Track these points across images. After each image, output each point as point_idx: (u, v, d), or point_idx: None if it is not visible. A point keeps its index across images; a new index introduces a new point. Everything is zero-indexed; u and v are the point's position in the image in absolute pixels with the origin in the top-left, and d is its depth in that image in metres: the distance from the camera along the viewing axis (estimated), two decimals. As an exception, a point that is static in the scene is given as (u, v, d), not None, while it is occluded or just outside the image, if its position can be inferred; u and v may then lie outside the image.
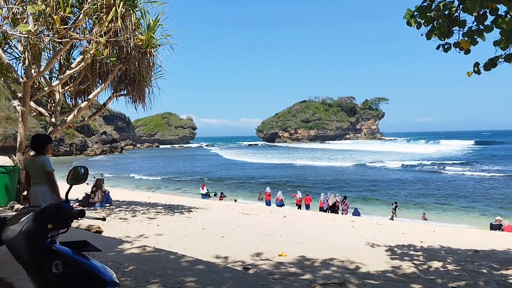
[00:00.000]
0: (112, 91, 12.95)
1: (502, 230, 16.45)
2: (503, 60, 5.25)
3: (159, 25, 11.56)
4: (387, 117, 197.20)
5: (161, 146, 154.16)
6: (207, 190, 29.27)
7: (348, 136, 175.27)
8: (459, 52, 5.26)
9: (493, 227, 17.00)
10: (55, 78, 12.34)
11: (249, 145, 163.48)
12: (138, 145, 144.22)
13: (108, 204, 13.29)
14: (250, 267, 6.18)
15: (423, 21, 5.18)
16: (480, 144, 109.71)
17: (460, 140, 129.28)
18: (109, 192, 13.57)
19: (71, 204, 2.26)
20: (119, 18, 9.19)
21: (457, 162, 56.19)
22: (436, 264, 7.05)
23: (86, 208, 12.49)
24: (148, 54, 11.56)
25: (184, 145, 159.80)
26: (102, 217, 2.52)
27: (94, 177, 14.70)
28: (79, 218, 2.24)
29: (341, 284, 5.54)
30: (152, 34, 11.41)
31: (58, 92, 12.17)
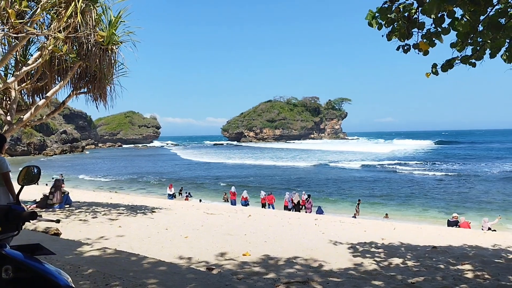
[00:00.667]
0: (72, 88, 12.55)
1: (459, 227, 17.08)
2: (459, 61, 5.44)
3: (121, 21, 11.28)
4: (349, 117, 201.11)
5: (124, 146, 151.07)
6: (174, 190, 28.91)
7: (312, 135, 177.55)
8: (418, 54, 5.41)
9: (450, 223, 17.61)
10: (11, 75, 11.83)
11: (215, 144, 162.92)
12: (100, 145, 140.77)
13: (67, 206, 12.89)
14: (214, 267, 6.13)
15: (384, 22, 5.29)
16: (440, 144, 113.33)
17: (420, 140, 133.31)
18: (68, 193, 13.16)
19: (28, 206, 2.16)
20: (78, 13, 8.91)
21: (417, 161, 57.85)
22: (397, 260, 7.22)
23: (44, 209, 12.07)
24: (109, 51, 11.27)
25: (148, 145, 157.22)
26: (56, 219, 2.42)
27: (52, 178, 14.23)
28: (30, 221, 2.14)
29: (304, 282, 5.58)
30: (113, 31, 11.13)
31: (14, 89, 11.66)
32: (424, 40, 5.24)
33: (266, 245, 8.36)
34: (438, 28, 5.08)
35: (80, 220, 10.14)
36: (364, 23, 5.38)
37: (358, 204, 22.90)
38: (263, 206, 24.13)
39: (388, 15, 5.23)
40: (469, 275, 6.22)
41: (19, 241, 6.35)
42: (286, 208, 23.21)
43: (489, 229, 16.04)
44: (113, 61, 11.58)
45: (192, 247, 7.69)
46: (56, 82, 12.17)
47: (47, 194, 12.74)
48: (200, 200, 26.99)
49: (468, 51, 5.34)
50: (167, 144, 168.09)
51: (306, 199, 23.33)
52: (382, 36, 5.45)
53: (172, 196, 27.64)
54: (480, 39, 5.18)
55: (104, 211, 12.15)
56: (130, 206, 14.26)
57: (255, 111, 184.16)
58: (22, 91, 12.63)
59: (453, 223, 17.51)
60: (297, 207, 23.17)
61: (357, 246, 8.53)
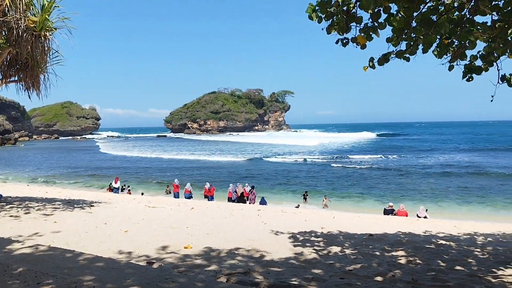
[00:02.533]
0: (1, 77, 11.76)
1: (395, 215, 17.92)
2: (394, 56, 5.66)
3: (55, 6, 10.67)
4: (292, 109, 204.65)
5: (61, 138, 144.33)
6: (120, 184, 27.98)
7: (256, 127, 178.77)
8: (356, 47, 5.56)
9: (386, 212, 18.46)
10: None
11: (158, 136, 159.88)
12: (34, 137, 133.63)
13: (-3, 201, 12.13)
14: (155, 261, 6.02)
15: (323, 15, 5.38)
16: (382, 136, 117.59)
17: (362, 132, 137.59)
18: (-2, 187, 12.37)
19: None
20: (7, -4, 8.32)
21: (357, 153, 59.92)
22: (335, 249, 7.46)
23: (-30, 206, 11.28)
24: (42, 38, 10.64)
25: (87, 136, 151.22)
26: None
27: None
28: None
29: (246, 273, 5.62)
30: (47, 16, 10.50)
31: None
32: (362, 34, 5.38)
33: (209, 237, 8.34)
34: (375, 22, 5.24)
35: (11, 216, 9.57)
36: (306, 17, 5.45)
37: (305, 197, 23.56)
38: (207, 198, 23.99)
39: (328, 9, 5.32)
40: (403, 260, 6.56)
41: None
42: (230, 199, 23.20)
43: (425, 217, 16.93)
44: (46, 49, 10.94)
45: (132, 241, 7.51)
46: (-17, 69, 11.37)
47: (-26, 189, 11.92)
48: (142, 194, 26.39)
49: (403, 46, 5.56)
50: (108, 136, 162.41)
51: (250, 190, 23.46)
52: (322, 29, 5.54)
53: (118, 190, 26.76)
54: (414, 35, 5.42)
55: (38, 206, 11.55)
56: (67, 201, 13.67)
57: (199, 102, 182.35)
58: None
59: (389, 211, 18.36)
60: (241, 199, 23.26)
61: (298, 236, 8.72)
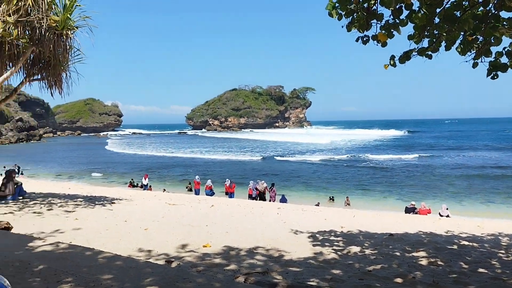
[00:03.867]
0: (25, 75, 11.96)
1: (417, 213, 17.63)
2: (416, 53, 5.51)
3: (77, 5, 10.79)
4: (313, 106, 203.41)
5: (83, 134, 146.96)
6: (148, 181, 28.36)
7: (277, 124, 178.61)
8: (377, 45, 5.43)
9: (408, 210, 18.17)
10: (-43, 60, 11.14)
11: (179, 132, 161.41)
12: (58, 133, 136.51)
13: (21, 197, 12.36)
14: (173, 260, 6.02)
15: (343, 12, 5.27)
16: (409, 133, 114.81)
17: (385, 130, 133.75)
18: (21, 184, 12.60)
19: None
20: (29, -5, 8.43)
21: (380, 151, 59.18)
22: (355, 248, 7.34)
23: (-4, 201, 11.54)
24: (64, 36, 10.77)
25: (109, 133, 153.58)
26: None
27: (4, 167, 13.60)
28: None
29: (264, 273, 5.57)
30: (68, 15, 10.63)
31: (-39, 75, 11.02)
32: (383, 32, 5.26)
33: (228, 235, 8.31)
34: (396, 19, 5.11)
35: (34, 212, 9.74)
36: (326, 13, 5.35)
37: (331, 198, 23.52)
38: (227, 194, 24.04)
39: (348, 6, 5.22)
40: (424, 262, 6.40)
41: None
42: (250, 196, 23.22)
43: (448, 216, 16.59)
44: (68, 47, 11.09)
45: (152, 239, 7.53)
46: (8, 68, 11.56)
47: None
48: (164, 190, 26.62)
49: (425, 43, 5.41)
50: (129, 132, 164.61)
51: (270, 187, 23.42)
52: (342, 27, 5.44)
53: (147, 186, 27.09)
54: (436, 32, 5.26)
55: (60, 202, 11.74)
56: (88, 197, 13.85)
57: (220, 99, 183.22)
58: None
59: (410, 210, 18.07)
60: (261, 196, 23.23)
61: (317, 235, 8.62)
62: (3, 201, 11.59)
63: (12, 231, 7.34)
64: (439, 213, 17.07)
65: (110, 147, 78.20)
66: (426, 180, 31.16)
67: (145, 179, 27.83)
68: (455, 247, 7.91)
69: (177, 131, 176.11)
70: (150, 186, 27.78)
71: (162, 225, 9.24)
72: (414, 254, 7.05)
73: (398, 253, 7.05)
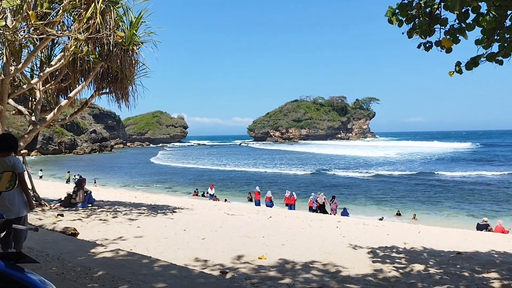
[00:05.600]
0: (95, 89, 12.70)
1: (490, 230, 16.42)
2: (485, 59, 5.14)
3: (142, 22, 11.32)
4: (377, 117, 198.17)
5: (151, 145, 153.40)
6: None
7: (339, 135, 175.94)
8: (441, 51, 5.14)
9: (480, 227, 16.96)
10: (36, 76, 12.05)
11: (240, 144, 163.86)
12: (128, 144, 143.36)
13: (90, 205, 13.04)
14: (228, 271, 6.00)
15: (404, 18, 5.05)
16: (480, 146, 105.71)
17: (458, 143, 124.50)
18: (91, 192, 13.30)
19: (52, 205, 2.09)
20: (98, 14, 8.94)
21: (446, 165, 56.10)
22: (418, 267, 6.92)
23: (68, 208, 12.24)
24: (130, 52, 11.33)
25: (176, 144, 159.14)
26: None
27: (74, 177, 14.42)
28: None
29: (319, 288, 5.39)
30: (134, 31, 11.18)
31: (39, 90, 11.90)
32: (448, 37, 4.97)
33: (284, 248, 8.18)
34: (462, 24, 4.81)
35: (100, 220, 10.20)
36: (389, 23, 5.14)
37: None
38: (288, 207, 23.85)
39: (409, 12, 4.99)
40: (496, 284, 5.89)
41: (37, 241, 6.36)
42: (311, 209, 22.91)
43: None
44: (134, 62, 11.63)
45: (209, 249, 7.59)
46: (80, 82, 12.34)
47: (71, 193, 12.92)
48: (226, 200, 26.97)
49: (495, 47, 5.04)
50: (194, 144, 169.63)
51: (331, 200, 22.97)
52: (403, 33, 5.21)
53: (213, 196, 27.65)
54: (508, 35, 4.88)
55: (125, 210, 12.22)
56: (151, 206, 14.32)
57: (281, 110, 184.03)
58: (47, 91, 12.86)
59: (483, 227, 16.86)
60: (322, 209, 22.84)
61: (378, 251, 8.24)
62: (73, 208, 12.28)
63: (79, 237, 7.73)
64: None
65: (169, 160, 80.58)
66: (502, 196, 29.00)
67: (211, 189, 28.34)
68: (532, 269, 7.22)
69: (239, 141, 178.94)
70: (215, 196, 28.17)
71: (220, 235, 9.30)
72: (485, 275, 6.51)
73: (466, 273, 6.55)
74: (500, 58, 5.03)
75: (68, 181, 32.96)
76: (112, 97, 12.79)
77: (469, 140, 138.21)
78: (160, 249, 7.35)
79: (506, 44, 4.95)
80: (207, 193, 29.73)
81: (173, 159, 77.97)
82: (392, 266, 6.93)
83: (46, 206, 12.01)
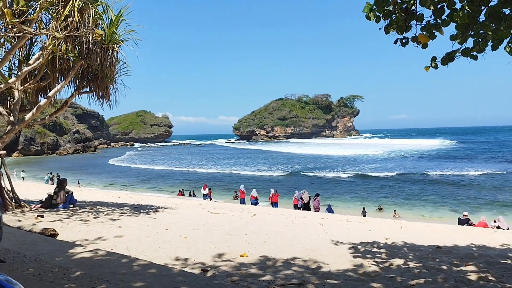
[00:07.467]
0: (75, 88, 12.52)
1: (471, 225, 16.64)
2: (460, 54, 5.20)
3: (122, 20, 11.18)
4: (362, 114, 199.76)
5: (135, 144, 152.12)
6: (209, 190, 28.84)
7: (324, 133, 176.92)
8: (417, 47, 5.19)
9: (461, 221, 17.21)
10: (15, 75, 11.84)
11: (226, 142, 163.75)
12: (112, 144, 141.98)
13: (71, 205, 12.87)
14: (209, 269, 5.98)
15: (381, 14, 5.09)
16: (461, 143, 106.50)
17: (434, 139, 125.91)
18: (72, 192, 13.12)
19: (32, 206, 2.04)
20: (75, 12, 8.82)
21: (430, 161, 56.81)
22: (398, 261, 7.00)
23: (48, 209, 12.06)
24: (110, 50, 11.19)
25: (159, 144, 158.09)
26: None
27: (51, 174, 14.17)
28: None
29: (300, 284, 5.41)
30: (114, 29, 11.04)
31: (17, 89, 11.70)
32: (424, 33, 5.02)
33: (266, 245, 8.20)
34: (438, 20, 4.87)
35: (81, 220, 10.08)
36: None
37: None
38: (272, 204, 23.94)
39: (385, 7, 5.03)
40: (472, 276, 5.99)
41: (14, 242, 6.25)
42: (295, 206, 22.99)
43: (508, 228, 15.51)
44: (114, 60, 11.49)
45: (190, 248, 7.56)
46: (59, 81, 12.15)
47: (52, 194, 12.74)
48: (210, 199, 26.91)
49: (470, 43, 5.11)
50: (179, 143, 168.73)
51: (314, 197, 23.07)
52: (380, 29, 5.25)
53: (206, 196, 27.42)
54: (482, 31, 4.95)
55: (107, 211, 12.10)
56: (134, 206, 14.20)
57: (266, 109, 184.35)
58: (26, 91, 12.65)
59: (464, 221, 17.12)
60: (306, 206, 22.93)
61: (359, 246, 8.32)
62: (54, 209, 12.11)
63: (58, 238, 7.62)
64: (498, 226, 15.96)
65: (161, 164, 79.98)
66: (482, 190, 29.51)
67: (204, 189, 28.18)
68: (509, 261, 7.36)
69: (224, 140, 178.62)
70: (209, 196, 27.80)
71: (202, 233, 9.27)
72: (463, 268, 6.62)
73: (444, 267, 6.65)
74: (474, 53, 5.10)
75: (47, 181, 32.42)
76: (93, 96, 12.62)
77: (453, 136, 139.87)
78: (141, 248, 7.30)
79: (480, 40, 5.03)
80: (193, 193, 29.67)
81: (166, 158, 77.54)
82: (372, 261, 6.99)
83: (26, 207, 11.82)
